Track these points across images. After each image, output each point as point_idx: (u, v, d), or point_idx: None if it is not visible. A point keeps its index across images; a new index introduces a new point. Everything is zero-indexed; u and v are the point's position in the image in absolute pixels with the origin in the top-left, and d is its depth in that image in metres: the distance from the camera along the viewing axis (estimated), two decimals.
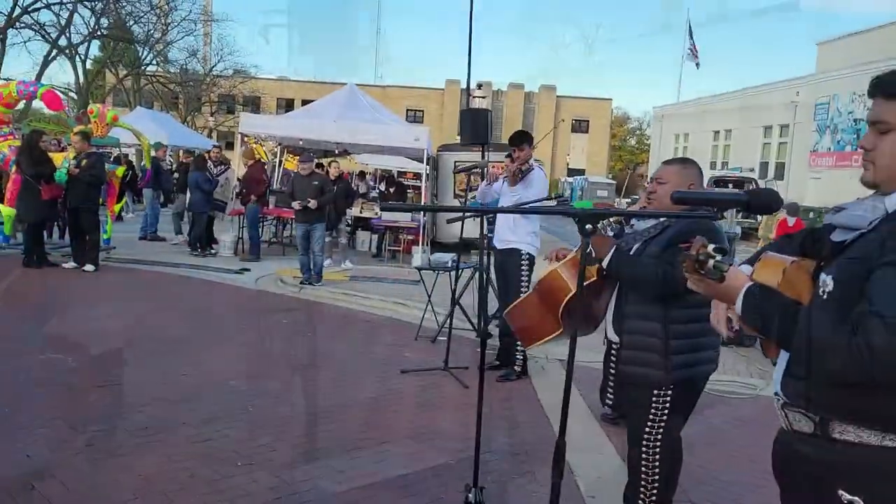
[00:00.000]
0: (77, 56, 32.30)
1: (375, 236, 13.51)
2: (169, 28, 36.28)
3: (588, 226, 1.76)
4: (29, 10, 26.69)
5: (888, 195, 1.63)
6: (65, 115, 10.46)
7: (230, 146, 31.64)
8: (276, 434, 4.26)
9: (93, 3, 29.81)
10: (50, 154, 9.44)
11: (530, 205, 5.39)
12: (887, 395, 1.51)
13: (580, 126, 57.49)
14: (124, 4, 31.90)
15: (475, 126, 7.00)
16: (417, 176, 16.61)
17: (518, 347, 5.83)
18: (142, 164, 14.77)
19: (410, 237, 12.78)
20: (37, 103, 11.53)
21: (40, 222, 9.38)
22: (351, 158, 20.58)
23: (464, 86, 25.25)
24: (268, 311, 7.88)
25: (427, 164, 11.52)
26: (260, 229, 12.26)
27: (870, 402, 1.54)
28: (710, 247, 1.57)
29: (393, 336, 7.13)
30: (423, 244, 12.14)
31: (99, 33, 32.49)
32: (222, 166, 12.04)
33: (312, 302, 8.67)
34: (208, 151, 12.77)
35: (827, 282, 1.61)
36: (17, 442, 3.85)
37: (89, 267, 9.30)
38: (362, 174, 23.77)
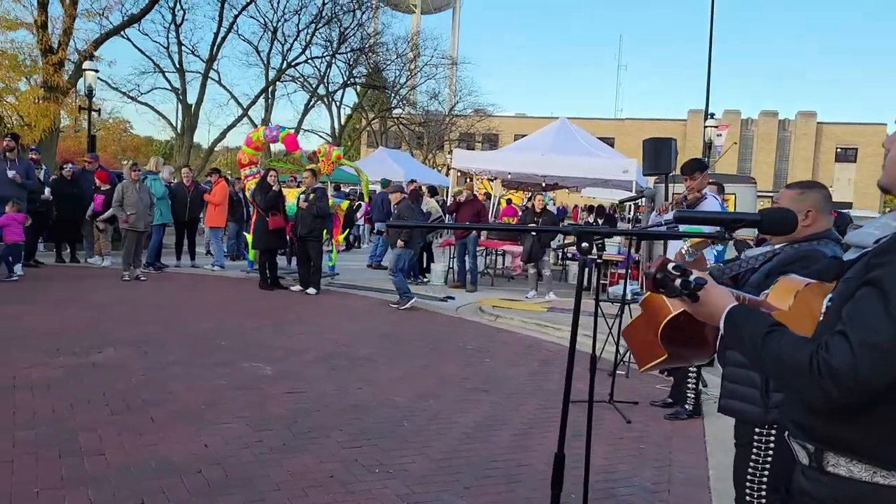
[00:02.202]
0: (333, 103, 36.15)
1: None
2: (413, 73, 39.26)
3: (584, 244, 1.79)
4: (294, 64, 30.45)
5: None
6: (299, 156, 11.85)
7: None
8: (420, 448, 4.52)
9: (347, 56, 33.24)
10: (285, 190, 10.74)
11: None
12: (875, 425, 1.42)
13: (846, 154, 52.41)
14: (373, 55, 35.17)
15: (657, 155, 6.87)
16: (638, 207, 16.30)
17: (689, 384, 5.59)
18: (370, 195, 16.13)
19: (621, 270, 12.55)
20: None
21: (270, 250, 10.66)
22: (567, 191, 20.72)
23: (713, 114, 24.47)
24: (456, 336, 8.23)
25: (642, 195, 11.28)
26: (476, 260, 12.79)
27: (859, 433, 1.45)
28: (670, 265, 1.55)
29: (582, 367, 7.10)
30: (628, 277, 11.85)
31: (352, 82, 36.07)
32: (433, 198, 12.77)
33: (503, 330, 8.90)
34: (419, 186, 13.61)
35: (826, 304, 1.52)
36: (202, 433, 4.49)
37: (311, 290, 10.39)
38: (591, 208, 23.82)
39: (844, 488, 1.48)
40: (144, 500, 3.52)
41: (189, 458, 4.07)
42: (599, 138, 16.81)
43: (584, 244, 1.79)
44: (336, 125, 37.01)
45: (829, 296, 1.53)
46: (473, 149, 45.88)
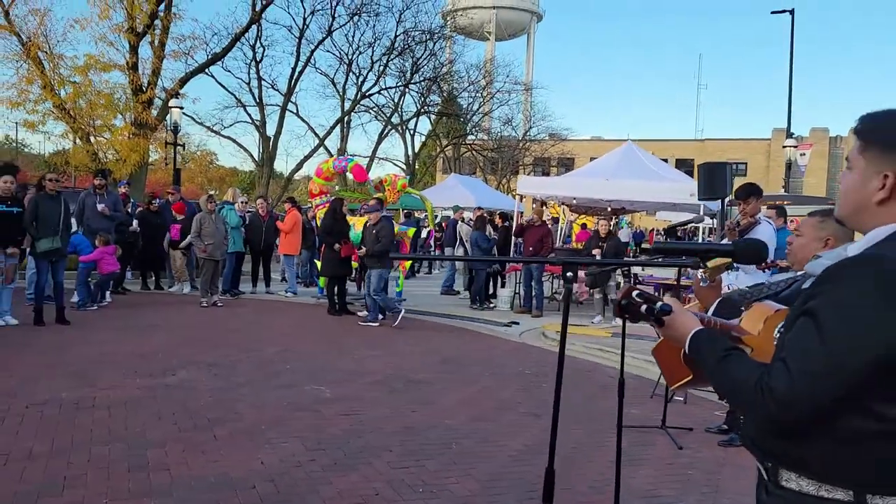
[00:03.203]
0: (407, 131, 36.88)
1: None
2: (486, 100, 39.66)
3: (569, 273, 1.92)
4: (368, 95, 31.31)
5: (854, 243, 1.60)
6: (367, 185, 12.26)
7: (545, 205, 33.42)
8: (466, 470, 4.65)
9: (420, 85, 33.92)
10: (353, 218, 11.12)
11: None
12: (816, 443, 1.53)
13: None
14: (446, 84, 35.77)
15: (712, 180, 6.85)
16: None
17: None
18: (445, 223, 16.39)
19: (690, 293, 12.39)
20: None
21: (336, 276, 11.03)
22: (645, 214, 20.54)
23: (793, 133, 23.86)
24: (517, 361, 8.32)
25: (691, 221, 11.17)
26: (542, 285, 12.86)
27: (803, 451, 1.56)
28: (635, 293, 1.67)
29: (629, 392, 7.05)
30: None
31: (425, 110, 36.71)
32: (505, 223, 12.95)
33: (567, 356, 8.90)
34: (485, 212, 13.81)
35: (778, 331, 1.63)
36: (259, 451, 4.75)
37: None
38: (672, 229, 23.49)
39: (795, 500, 1.57)
40: None
41: (245, 475, 4.33)
42: (679, 160, 16.67)
43: (569, 273, 1.92)
44: (410, 153, 37.71)
45: (782, 323, 1.63)
46: (548, 174, 45.93)
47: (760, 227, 5.65)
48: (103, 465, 4.36)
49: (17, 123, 19.72)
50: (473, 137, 42.38)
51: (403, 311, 10.40)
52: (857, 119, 1.64)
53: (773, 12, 23.07)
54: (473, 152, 41.86)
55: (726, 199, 7.08)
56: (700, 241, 14.58)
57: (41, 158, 39.14)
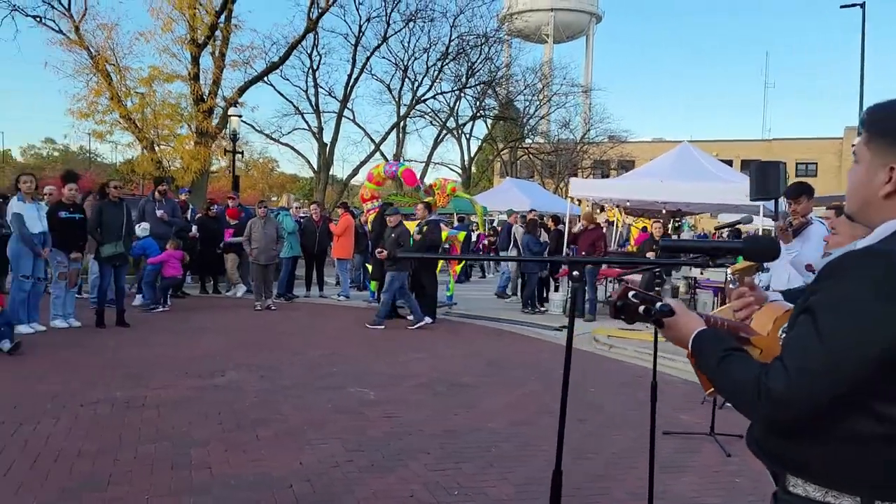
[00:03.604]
0: (463, 135, 37.00)
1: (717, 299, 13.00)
2: (542, 103, 39.46)
3: (575, 273, 1.89)
4: (423, 100, 31.55)
5: (863, 239, 1.53)
6: (416, 189, 12.34)
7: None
8: (503, 473, 4.61)
9: (475, 89, 34.00)
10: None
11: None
12: (819, 447, 1.48)
13: None
14: (502, 88, 35.74)
15: (764, 179, 6.66)
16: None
17: None
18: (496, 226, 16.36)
19: None
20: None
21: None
22: (699, 217, 20.08)
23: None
24: (562, 365, 8.21)
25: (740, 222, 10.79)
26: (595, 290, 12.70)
27: (807, 456, 1.50)
28: (631, 293, 1.63)
29: (680, 398, 6.94)
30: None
31: (481, 114, 36.78)
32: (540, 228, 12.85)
33: (614, 360, 8.79)
34: (537, 216, 13.70)
35: (783, 330, 1.57)
36: (300, 452, 4.81)
37: (427, 319, 10.69)
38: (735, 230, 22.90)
39: None
40: None
41: (284, 474, 4.39)
42: (744, 161, 16.23)
43: (576, 272, 1.89)
44: (466, 157, 37.82)
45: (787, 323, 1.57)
46: (608, 176, 45.32)
47: (813, 227, 5.45)
48: (148, 463, 4.48)
49: (88, 134, 20.50)
50: (530, 141, 42.21)
51: (384, 327, 10.29)
52: (865, 110, 1.57)
53: (842, 6, 22.30)
54: (530, 156, 41.69)
55: (779, 199, 6.87)
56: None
57: (112, 167, 40.65)
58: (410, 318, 10.94)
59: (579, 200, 16.76)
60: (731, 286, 2.74)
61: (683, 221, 25.46)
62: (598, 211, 13.64)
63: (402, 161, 29.44)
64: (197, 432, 5.14)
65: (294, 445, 4.95)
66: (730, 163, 29.71)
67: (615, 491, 4.42)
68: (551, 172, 44.36)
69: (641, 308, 1.67)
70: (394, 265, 10.15)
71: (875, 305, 1.36)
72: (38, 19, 19.60)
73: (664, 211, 14.36)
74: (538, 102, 39.75)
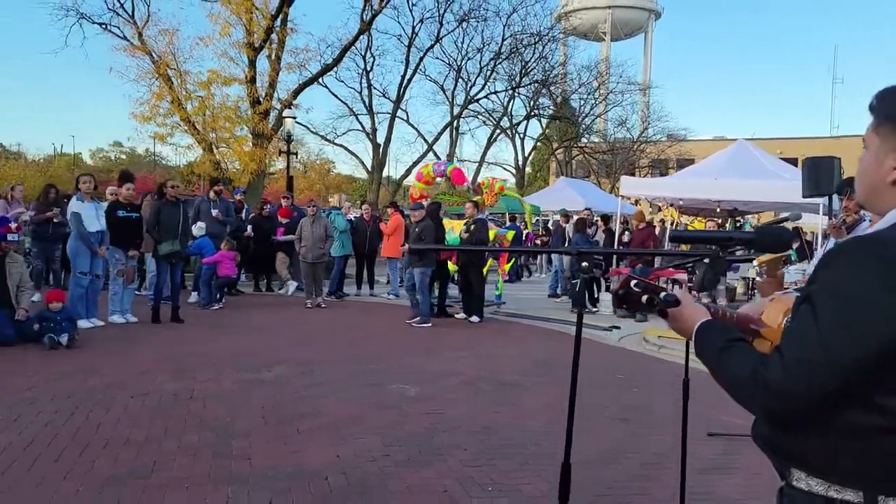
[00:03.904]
0: (517, 135, 36.86)
1: None
2: (598, 102, 39.02)
3: (584, 263, 1.87)
4: (476, 99, 31.57)
5: (871, 227, 1.49)
6: (464, 188, 12.35)
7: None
8: (538, 471, 4.58)
9: (529, 88, 33.85)
10: (450, 222, 11.24)
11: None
12: (821, 440, 1.44)
13: None
14: (556, 87, 35.49)
15: (817, 175, 6.47)
16: None
17: None
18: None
19: None
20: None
21: (437, 279, 11.16)
22: (757, 216, 19.57)
23: None
24: (612, 366, 8.13)
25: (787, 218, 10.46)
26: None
27: (809, 449, 1.46)
28: (632, 283, 1.61)
29: (725, 398, 6.77)
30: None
31: (535, 113, 36.60)
32: (593, 227, 12.70)
33: (664, 361, 8.64)
34: (590, 215, 13.57)
35: (787, 321, 1.54)
36: (337, 446, 4.88)
37: (474, 318, 10.71)
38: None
39: (805, 501, 1.47)
40: (272, 500, 3.93)
41: (320, 466, 4.46)
42: (809, 158, 15.73)
43: (584, 263, 1.87)
44: (520, 157, 37.66)
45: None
46: (666, 174, 44.40)
47: (865, 223, 5.26)
48: (190, 453, 4.61)
49: (152, 137, 21.24)
50: (586, 140, 41.76)
51: (431, 324, 10.34)
52: (874, 95, 1.51)
53: None
54: (585, 155, 41.25)
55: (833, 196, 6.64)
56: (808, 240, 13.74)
57: (175, 169, 41.88)
58: (460, 316, 10.98)
59: (637, 200, 16.50)
60: (758, 278, 2.68)
61: (745, 220, 24.86)
62: (655, 210, 13.41)
63: (454, 160, 29.55)
64: (240, 424, 5.26)
65: (332, 439, 5.02)
66: (794, 161, 28.90)
67: (653, 490, 4.36)
68: (608, 172, 43.82)
69: (644, 298, 1.65)
70: (420, 261, 10.25)
71: (875, 294, 1.31)
72: (103, 26, 20.41)
73: (718, 209, 14.03)
74: (593, 101, 39.33)
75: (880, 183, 1.48)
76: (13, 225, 7.94)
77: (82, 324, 8.50)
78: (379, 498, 4.04)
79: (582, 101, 39.04)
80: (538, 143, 40.72)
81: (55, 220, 10.08)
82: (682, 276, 12.30)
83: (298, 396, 6.12)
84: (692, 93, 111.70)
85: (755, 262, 2.48)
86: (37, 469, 4.25)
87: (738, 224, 17.02)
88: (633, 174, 44.66)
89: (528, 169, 41.05)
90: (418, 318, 10.37)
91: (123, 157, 59.84)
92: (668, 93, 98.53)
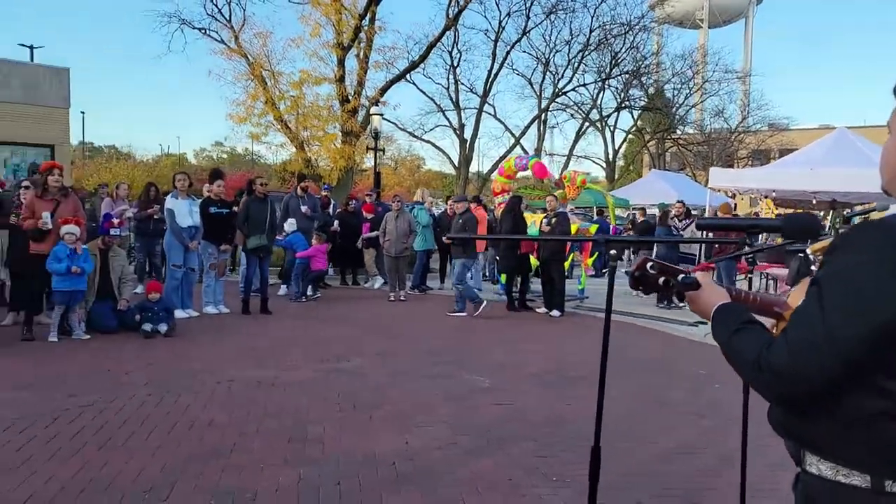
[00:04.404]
0: (607, 128, 36.22)
1: None
2: (694, 91, 37.81)
3: (612, 251, 1.89)
4: (564, 92, 31.23)
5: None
6: (547, 181, 12.29)
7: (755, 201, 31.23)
8: (604, 463, 4.52)
9: (619, 80, 33.20)
10: (530, 215, 11.23)
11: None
12: (830, 423, 1.44)
13: None
14: (648, 77, 34.65)
15: None
16: None
17: None
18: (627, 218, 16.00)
19: None
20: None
21: (514, 272, 11.17)
22: (867, 207, 18.53)
23: None
24: (693, 361, 7.95)
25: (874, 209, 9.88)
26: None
27: (819, 432, 1.47)
28: (648, 265, 1.63)
29: None
30: None
31: (626, 105, 35.83)
32: (686, 220, 12.38)
33: None
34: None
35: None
36: (407, 434, 5.01)
37: (555, 312, 10.67)
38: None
39: (816, 485, 1.48)
40: (341, 482, 4.10)
41: (388, 453, 4.60)
42: None
43: (613, 251, 1.90)
44: (610, 150, 37.01)
45: None
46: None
47: None
48: (268, 436, 4.84)
49: (249, 137, 22.13)
50: (680, 131, 40.53)
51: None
52: None
53: None
54: (679, 147, 40.07)
55: None
56: None
57: (272, 167, 43.37)
58: (541, 310, 10.97)
59: (734, 193, 15.98)
60: (814, 266, 2.60)
61: (852, 211, 23.49)
62: (725, 204, 13.00)
63: (542, 154, 29.40)
64: (315, 412, 5.47)
65: (403, 427, 5.16)
66: None
67: (721, 486, 4.28)
68: (704, 164, 42.32)
69: (661, 280, 1.66)
70: (462, 252, 10.34)
71: (880, 278, 1.30)
72: (203, 31, 21.36)
73: (815, 201, 13.40)
74: (688, 91, 38.14)
75: None
76: (115, 221, 8.49)
77: (178, 314, 9.00)
78: (442, 483, 4.14)
79: (675, 92, 37.94)
80: (630, 136, 39.83)
81: (155, 217, 10.67)
82: (781, 271, 11.87)
83: (374, 386, 6.30)
84: (795, 80, 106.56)
85: (809, 250, 2.41)
86: (129, 446, 4.58)
87: (847, 216, 16.17)
88: (731, 166, 43.03)
89: (620, 162, 40.23)
90: (458, 308, 10.57)
91: (224, 156, 62.38)
92: (768, 81, 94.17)
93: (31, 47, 32.66)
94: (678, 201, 15.68)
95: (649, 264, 1.67)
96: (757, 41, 66.95)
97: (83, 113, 57.71)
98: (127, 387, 5.99)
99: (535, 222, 11.43)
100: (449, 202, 14.47)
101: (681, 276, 1.66)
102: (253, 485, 4.02)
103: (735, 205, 26.25)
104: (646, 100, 36.17)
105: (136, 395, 5.75)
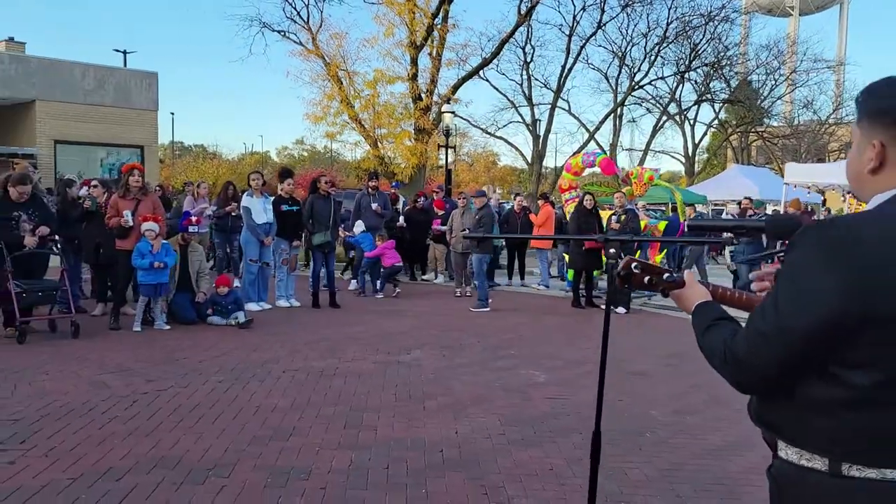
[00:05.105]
0: (686, 121, 35.40)
1: None
2: (780, 82, 36.48)
3: (612, 250, 2.03)
4: (641, 86, 30.71)
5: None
6: (614, 178, 12.21)
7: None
8: (649, 458, 4.65)
9: (699, 72, 32.38)
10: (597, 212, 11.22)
11: None
12: (785, 406, 1.55)
13: None
14: (731, 68, 33.66)
15: None
16: None
17: None
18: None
19: None
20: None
21: (582, 269, 11.19)
22: None
23: None
24: None
25: None
26: None
27: (782, 418, 1.58)
28: (633, 264, 1.76)
29: None
30: None
31: (707, 97, 34.90)
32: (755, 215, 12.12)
33: None
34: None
35: None
36: (457, 423, 5.20)
37: (620, 310, 10.65)
38: None
39: (783, 468, 1.58)
40: (389, 465, 4.33)
41: (437, 440, 4.81)
42: None
43: (612, 249, 2.03)
44: (689, 144, 36.16)
45: None
46: None
47: None
48: (325, 422, 5.13)
49: (325, 136, 22.79)
50: (766, 123, 39.13)
51: (489, 310, 10.55)
52: (862, 90, 1.59)
53: None
54: (764, 140, 38.73)
55: None
56: None
57: (350, 165, 44.28)
58: (604, 307, 10.96)
59: (822, 191, 15.46)
60: None
61: None
62: (797, 201, 12.59)
63: (617, 149, 29.08)
64: (372, 400, 5.73)
65: (454, 417, 5.36)
66: None
67: (763, 484, 4.28)
68: (793, 157, 40.68)
69: (646, 279, 1.78)
70: (479, 247, 10.40)
71: (818, 271, 1.42)
72: (282, 33, 22.10)
73: None
74: (773, 82, 36.81)
75: (862, 172, 1.57)
76: (194, 218, 9.00)
77: (251, 307, 9.46)
78: (486, 469, 4.32)
79: (760, 83, 36.68)
80: (713, 129, 38.75)
81: (233, 214, 11.20)
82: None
83: (430, 378, 6.52)
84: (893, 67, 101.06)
85: None
86: (198, 427, 4.94)
87: None
88: (821, 160, 41.23)
89: (703, 156, 39.23)
90: (478, 304, 10.63)
91: (305, 154, 63.95)
92: (863, 70, 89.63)
93: (125, 52, 34.48)
94: (745, 198, 15.29)
95: (634, 264, 1.80)
96: (852, 28, 63.83)
97: (173, 114, 60.37)
98: (200, 374, 6.40)
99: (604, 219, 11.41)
100: (516, 199, 14.55)
101: (666, 275, 1.78)
102: (307, 465, 4.30)
103: (824, 200, 25.27)
104: (728, 92, 35.13)
105: (208, 381, 6.15)
